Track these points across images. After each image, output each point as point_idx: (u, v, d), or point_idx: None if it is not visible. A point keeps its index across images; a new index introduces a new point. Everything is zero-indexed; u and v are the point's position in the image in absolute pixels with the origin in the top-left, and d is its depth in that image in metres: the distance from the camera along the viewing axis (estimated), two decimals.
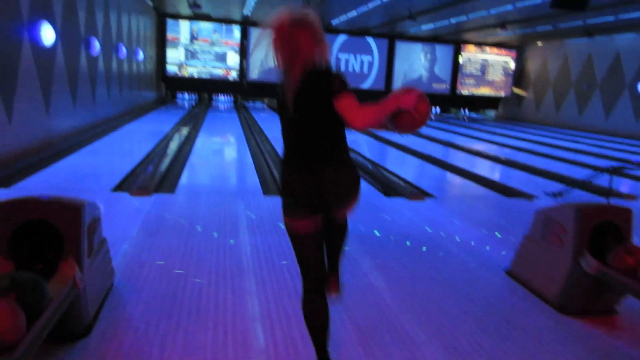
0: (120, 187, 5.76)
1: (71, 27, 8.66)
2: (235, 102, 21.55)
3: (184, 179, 6.47)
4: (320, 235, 2.19)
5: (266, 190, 6.09)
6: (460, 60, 22.79)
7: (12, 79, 6.37)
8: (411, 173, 8.29)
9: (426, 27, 18.09)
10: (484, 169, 9.07)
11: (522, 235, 3.75)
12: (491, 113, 24.70)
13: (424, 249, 4.35)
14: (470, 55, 22.89)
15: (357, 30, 20.55)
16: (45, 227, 2.44)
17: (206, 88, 20.66)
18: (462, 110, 24.69)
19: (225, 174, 7.19)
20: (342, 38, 21.10)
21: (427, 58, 22.45)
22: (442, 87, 22.88)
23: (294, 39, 2.02)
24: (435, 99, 23.11)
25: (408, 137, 13.16)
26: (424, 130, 15.26)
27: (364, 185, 6.78)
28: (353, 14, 15.84)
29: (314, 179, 2.07)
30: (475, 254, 4.30)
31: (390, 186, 6.73)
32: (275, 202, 5.49)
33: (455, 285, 3.59)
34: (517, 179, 8.00)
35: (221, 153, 9.58)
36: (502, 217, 5.64)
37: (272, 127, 13.09)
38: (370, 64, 21.83)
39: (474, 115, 24.71)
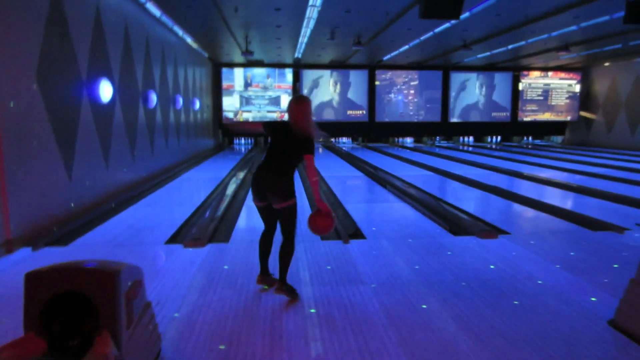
0: (174, 238, 5.61)
1: (129, 83, 8.92)
2: None
3: (240, 226, 6.25)
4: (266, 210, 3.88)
5: (324, 235, 5.74)
6: (520, 86, 21.91)
7: (72, 137, 6.50)
8: (478, 207, 7.69)
9: (482, 55, 17.55)
10: (559, 199, 8.31)
11: (619, 276, 3.17)
12: (557, 139, 23.44)
13: (506, 296, 3.80)
14: (531, 80, 21.97)
15: (409, 64, 20.31)
16: (79, 297, 2.21)
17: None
18: (525, 137, 23.60)
19: None
20: (393, 73, 20.91)
21: (484, 87, 21.76)
22: (502, 115, 22.00)
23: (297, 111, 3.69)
24: (495, 127, 22.25)
25: (469, 168, 12.53)
26: (485, 160, 14.54)
27: (429, 224, 6.29)
28: (404, 47, 15.62)
29: (269, 179, 3.71)
30: (567, 301, 3.70)
31: (457, 223, 6.20)
32: (334, 248, 5.12)
33: (553, 343, 3.03)
34: (599, 209, 7.22)
35: None
36: (591, 255, 4.96)
37: (328, 166, 12.85)
38: (424, 97, 21.39)
39: (538, 142, 23.54)
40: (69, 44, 6.45)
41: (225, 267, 4.55)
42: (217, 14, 10.50)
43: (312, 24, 11.61)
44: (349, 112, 20.92)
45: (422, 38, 13.78)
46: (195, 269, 4.49)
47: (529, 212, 7.23)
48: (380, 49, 16.04)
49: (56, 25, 6.09)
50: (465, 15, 10.64)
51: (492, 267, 4.54)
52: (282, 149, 3.73)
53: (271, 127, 3.86)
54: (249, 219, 6.70)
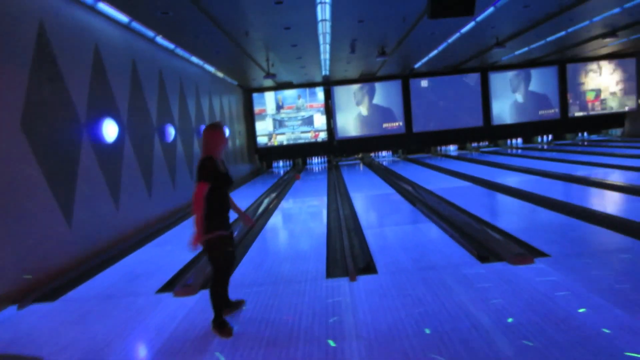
0: (168, 285, 5.15)
1: (140, 119, 8.72)
2: (329, 162, 21.21)
3: (243, 265, 5.72)
4: None
5: (331, 272, 5.10)
6: (568, 80, 20.43)
7: (70, 181, 6.26)
8: (516, 223, 6.73)
9: (520, 52, 16.43)
10: (618, 205, 7.26)
11: None
12: (616, 132, 21.64)
13: (529, 347, 3.03)
14: (580, 72, 20.46)
15: (444, 70, 19.41)
16: None
17: (298, 153, 20.63)
18: (579, 134, 21.98)
19: (290, 253, 6.19)
20: (428, 80, 20.04)
21: (527, 85, 20.44)
22: (550, 112, 20.54)
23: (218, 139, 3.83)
24: (544, 126, 20.79)
25: (515, 174, 11.51)
26: (534, 163, 13.39)
27: (455, 249, 5.51)
28: (434, 53, 14.83)
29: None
30: (612, 353, 2.89)
31: (487, 246, 5.40)
32: (336, 288, 4.49)
33: None
34: None
35: (296, 224, 8.58)
36: None
37: (359, 185, 12.19)
38: (463, 102, 20.33)
39: (594, 137, 21.83)
40: (62, 87, 6.25)
41: (206, 323, 4.01)
42: (229, 40, 10.22)
43: (328, 39, 11.12)
44: (385, 124, 20.20)
45: (449, 41, 12.97)
46: (176, 324, 3.99)
47: (579, 226, 6.25)
48: (408, 57, 15.33)
49: (44, 68, 5.89)
50: (489, 10, 9.82)
51: (518, 304, 3.76)
52: (226, 184, 3.84)
53: (212, 172, 3.71)
54: (255, 256, 6.17)
